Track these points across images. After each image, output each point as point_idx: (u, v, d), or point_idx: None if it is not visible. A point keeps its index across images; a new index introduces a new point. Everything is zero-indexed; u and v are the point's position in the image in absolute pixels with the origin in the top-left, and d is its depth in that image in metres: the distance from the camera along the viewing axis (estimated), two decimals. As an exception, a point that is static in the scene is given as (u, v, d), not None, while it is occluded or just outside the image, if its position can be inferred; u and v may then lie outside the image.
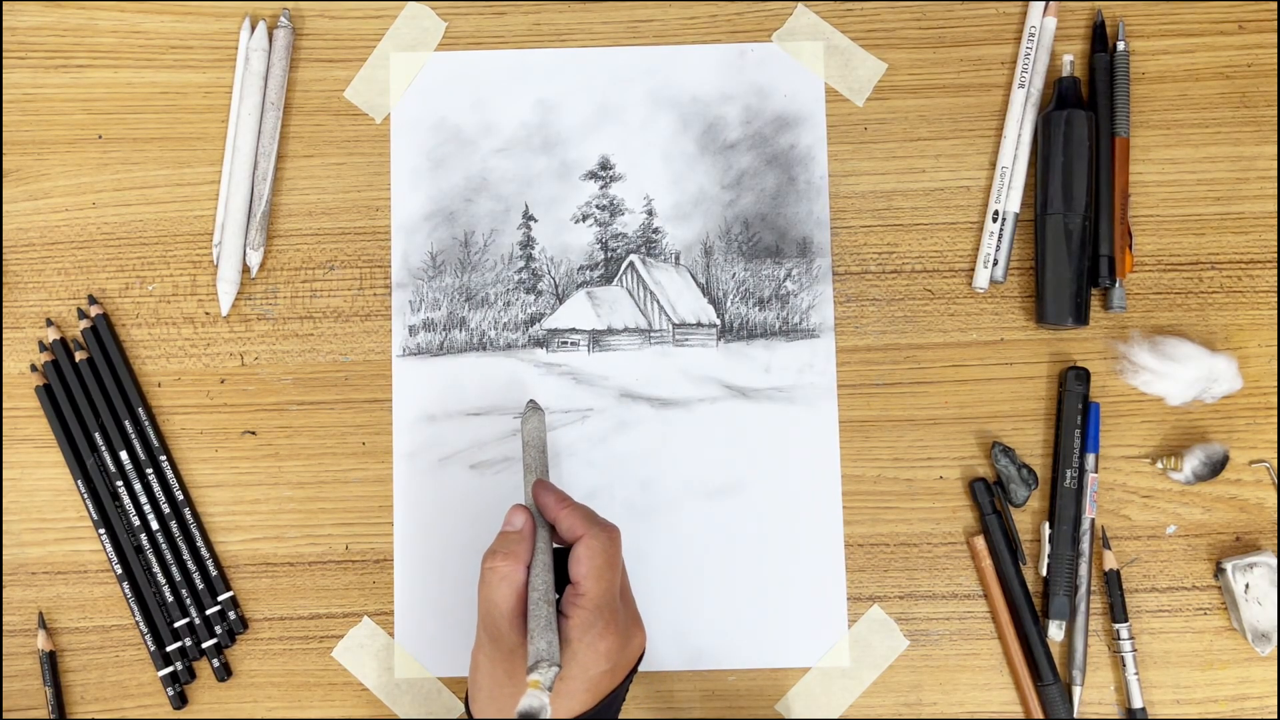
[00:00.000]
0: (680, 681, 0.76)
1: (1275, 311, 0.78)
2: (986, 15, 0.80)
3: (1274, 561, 0.74)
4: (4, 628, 0.76)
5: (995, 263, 0.78)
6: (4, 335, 0.78)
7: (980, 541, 0.76)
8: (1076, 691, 0.75)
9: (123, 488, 0.76)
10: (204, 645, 0.76)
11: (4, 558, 0.77)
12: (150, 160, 0.79)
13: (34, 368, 0.78)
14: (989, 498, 0.76)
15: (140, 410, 0.77)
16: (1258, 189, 0.78)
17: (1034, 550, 0.76)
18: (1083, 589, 0.75)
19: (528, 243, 0.79)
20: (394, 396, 0.77)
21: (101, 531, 0.76)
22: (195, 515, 0.77)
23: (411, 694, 0.76)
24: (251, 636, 0.76)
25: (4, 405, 0.78)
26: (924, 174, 0.79)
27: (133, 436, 0.76)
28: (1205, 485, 0.76)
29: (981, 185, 0.79)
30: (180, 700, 0.76)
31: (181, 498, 0.76)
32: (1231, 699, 0.75)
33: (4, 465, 0.77)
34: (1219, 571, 0.76)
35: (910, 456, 0.77)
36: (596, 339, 0.78)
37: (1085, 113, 0.76)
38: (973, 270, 0.78)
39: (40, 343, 0.78)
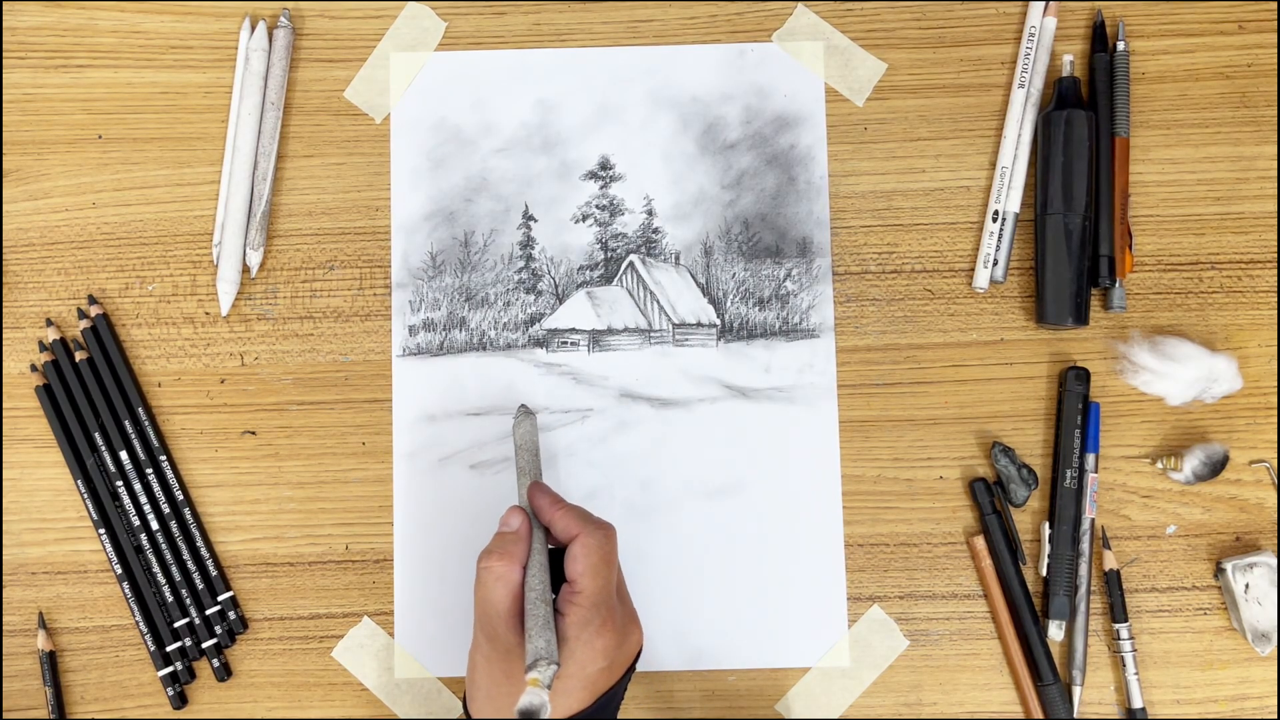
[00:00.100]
0: (680, 681, 0.76)
1: (1275, 311, 0.78)
2: (986, 15, 0.80)
3: (1274, 561, 0.74)
4: (4, 628, 0.76)
5: (995, 263, 0.78)
6: (4, 335, 0.78)
7: (980, 541, 0.76)
8: (1076, 691, 0.75)
9: (123, 488, 0.76)
10: (204, 645, 0.76)
11: (4, 558, 0.77)
12: (150, 160, 0.79)
13: (34, 368, 0.78)
14: (989, 498, 0.76)
15: (140, 410, 0.77)
16: (1258, 189, 0.78)
17: (1034, 550, 0.76)
18: (1083, 589, 0.75)
19: (528, 243, 0.79)
20: (394, 396, 0.77)
21: (101, 531, 0.76)
22: (195, 515, 0.77)
23: (411, 694, 0.76)
24: (251, 636, 0.76)
25: (4, 405, 0.78)
26: (924, 174, 0.79)
27: (133, 436, 0.76)
28: (1205, 485, 0.76)
29: (981, 185, 0.79)
30: (180, 700, 0.76)
31: (181, 498, 0.76)
32: (1231, 699, 0.75)
33: (4, 465, 0.77)
34: (1219, 571, 0.76)
35: (910, 456, 0.77)
36: (596, 339, 0.78)
37: (1085, 113, 0.76)
38: (973, 270, 0.78)
39: (40, 343, 0.78)
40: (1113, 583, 0.75)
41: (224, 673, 0.76)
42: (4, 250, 0.79)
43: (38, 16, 0.80)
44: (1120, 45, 0.78)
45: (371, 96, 0.79)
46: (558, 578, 0.66)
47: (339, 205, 0.79)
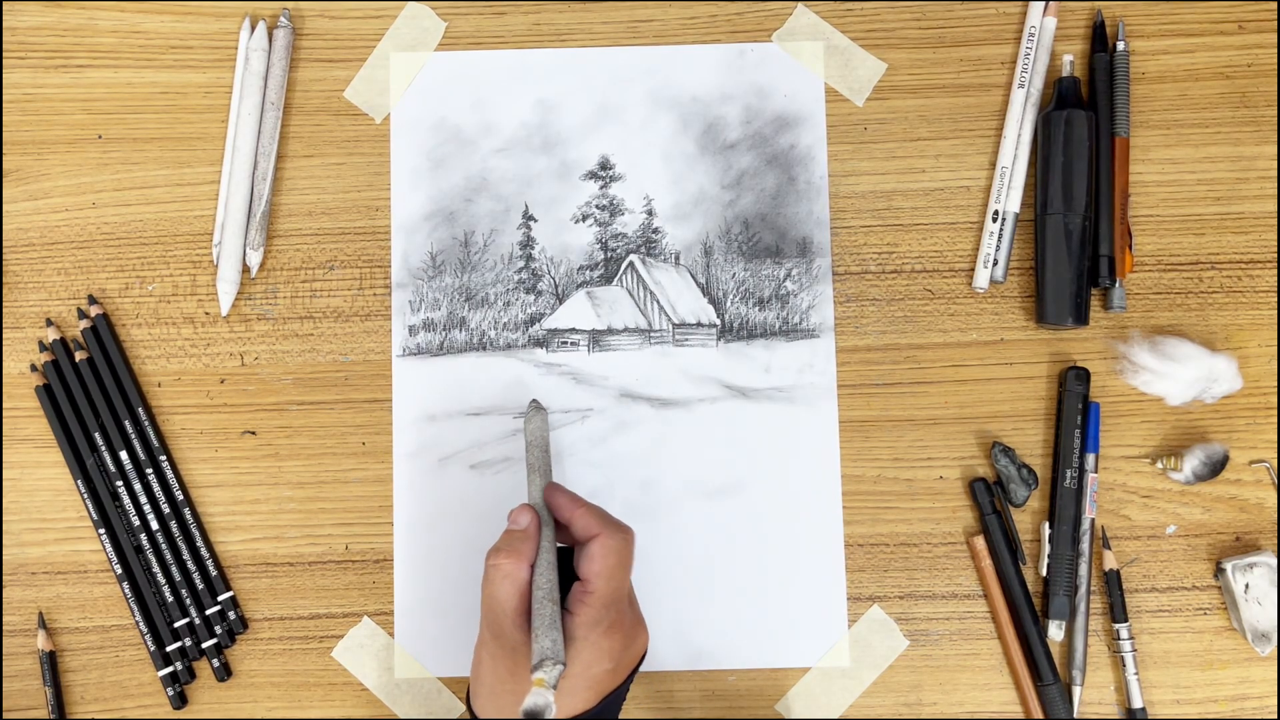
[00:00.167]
0: (680, 681, 0.76)
1: (1275, 311, 0.78)
2: (986, 15, 0.80)
3: (1274, 561, 0.74)
4: (4, 628, 0.76)
5: (995, 263, 0.78)
6: (4, 335, 0.78)
7: (980, 541, 0.76)
8: (1076, 691, 0.75)
9: (123, 488, 0.76)
10: (204, 645, 0.76)
11: (4, 558, 0.77)
12: (150, 160, 0.79)
13: (34, 368, 0.78)
14: (989, 498, 0.76)
15: (140, 410, 0.77)
16: (1258, 189, 0.78)
17: (1034, 550, 0.76)
18: (1083, 589, 0.75)
19: (528, 243, 0.79)
20: (394, 396, 0.77)
21: (101, 531, 0.76)
22: (195, 515, 0.77)
23: (411, 694, 0.76)
24: (251, 636, 0.76)
25: (4, 405, 0.78)
26: (924, 174, 0.79)
27: (133, 436, 0.76)
28: (1205, 485, 0.76)
29: (981, 185, 0.79)
30: (180, 700, 0.76)
31: (181, 498, 0.76)
32: (1231, 699, 0.75)
33: (4, 465, 0.77)
34: (1219, 571, 0.76)
35: (910, 456, 0.77)
36: (596, 339, 0.78)
37: (1085, 113, 0.76)
38: (973, 270, 0.78)
39: (40, 343, 0.78)
40: (1113, 583, 0.75)
41: (224, 673, 0.76)
42: (4, 250, 0.79)
43: (38, 16, 0.80)
44: (1120, 45, 0.78)
45: (371, 96, 0.79)
46: (565, 575, 0.66)
47: (339, 205, 0.79)
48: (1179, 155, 0.79)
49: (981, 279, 0.77)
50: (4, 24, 0.80)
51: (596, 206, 0.79)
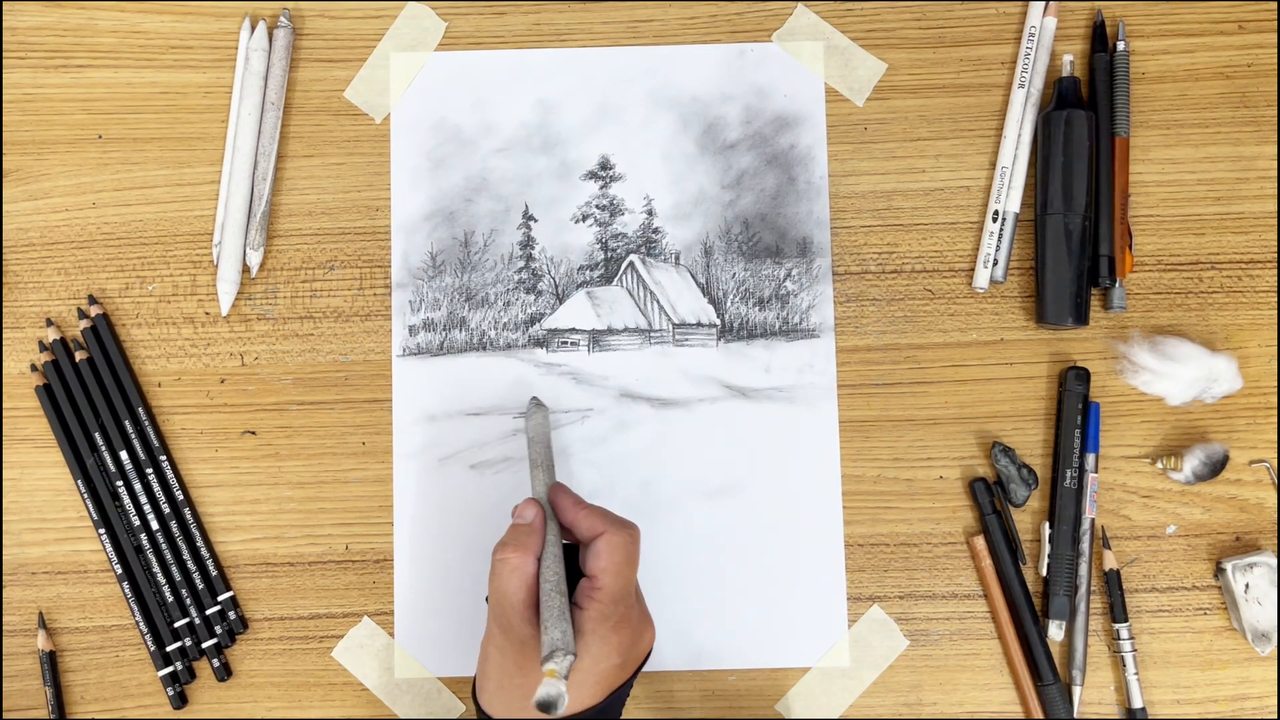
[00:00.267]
0: (680, 681, 0.76)
1: (1275, 311, 0.78)
2: (986, 15, 0.80)
3: (1274, 561, 0.74)
4: (4, 628, 0.76)
5: (995, 263, 0.78)
6: (4, 335, 0.78)
7: (980, 541, 0.76)
8: (1076, 691, 0.75)
9: (123, 488, 0.76)
10: (204, 645, 0.76)
11: (4, 558, 0.77)
12: (150, 160, 0.79)
13: (34, 368, 0.78)
14: (989, 498, 0.76)
15: (140, 410, 0.77)
16: (1258, 189, 0.78)
17: (1034, 550, 0.76)
18: (1083, 589, 0.75)
19: (528, 243, 0.79)
20: (394, 396, 0.77)
21: (101, 531, 0.76)
22: (195, 515, 0.77)
23: (411, 694, 0.76)
24: (251, 636, 0.76)
25: (4, 405, 0.78)
26: (924, 174, 0.79)
27: (133, 436, 0.76)
28: (1205, 485, 0.76)
29: (981, 185, 0.79)
30: (180, 700, 0.76)
31: (181, 498, 0.76)
32: (1231, 699, 0.75)
33: (4, 465, 0.77)
34: (1219, 571, 0.76)
35: (910, 456, 0.77)
36: (596, 339, 0.78)
37: (1085, 113, 0.76)
38: (973, 270, 0.78)
39: (40, 343, 0.78)
40: (1113, 583, 0.75)
41: (224, 673, 0.76)
42: (4, 250, 0.79)
43: (38, 16, 0.80)
44: (1120, 45, 0.78)
45: (371, 96, 0.79)
46: (571, 572, 0.66)
47: (339, 205, 0.79)
48: (1179, 155, 0.79)
49: (981, 279, 0.77)
50: (4, 24, 0.80)
51: (596, 206, 0.79)
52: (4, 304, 0.78)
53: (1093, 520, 0.76)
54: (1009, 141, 0.78)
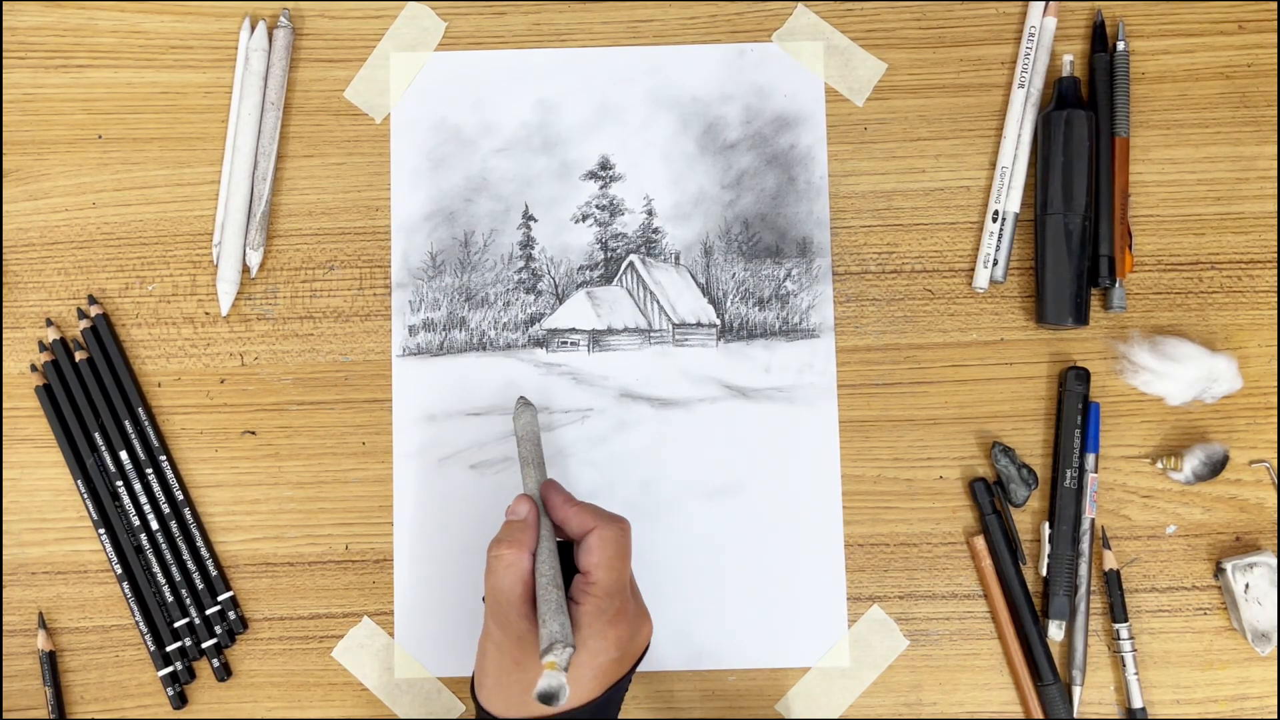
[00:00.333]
0: (680, 681, 0.76)
1: (1275, 311, 0.78)
2: (986, 15, 0.80)
3: (1274, 561, 0.74)
4: (4, 628, 0.76)
5: (995, 263, 0.78)
6: (4, 335, 0.78)
7: (980, 541, 0.76)
8: (1076, 691, 0.75)
9: (123, 488, 0.76)
10: (204, 645, 0.76)
11: (4, 558, 0.77)
12: (150, 160, 0.79)
13: (34, 368, 0.78)
14: (989, 498, 0.76)
15: (140, 410, 0.77)
16: (1258, 189, 0.78)
17: (1034, 550, 0.76)
18: (1083, 589, 0.75)
19: (528, 243, 0.79)
20: (394, 396, 0.77)
21: (101, 531, 0.76)
22: (195, 515, 0.77)
23: (411, 694, 0.76)
24: (251, 636, 0.76)
25: (4, 405, 0.78)
26: (924, 174, 0.79)
27: (133, 436, 0.76)
28: (1205, 485, 0.76)
29: (981, 185, 0.79)
30: (180, 700, 0.76)
31: (181, 498, 0.76)
32: (1231, 699, 0.75)
33: (4, 465, 0.77)
34: (1219, 571, 0.76)
35: (910, 456, 0.77)
36: (596, 339, 0.78)
37: (1085, 113, 0.76)
38: (973, 270, 0.78)
39: (40, 343, 0.78)
40: (1113, 583, 0.75)
41: (224, 673, 0.76)
42: (4, 250, 0.79)
43: (38, 16, 0.80)
44: (1120, 45, 0.78)
45: (371, 96, 0.79)
46: (566, 568, 0.66)
47: (339, 205, 0.79)
48: (1179, 155, 0.79)
49: (981, 279, 0.77)
50: (4, 24, 0.80)
51: (596, 206, 0.79)
52: (4, 304, 0.78)
53: (1093, 520, 0.76)
54: (1009, 141, 0.78)
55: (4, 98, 0.79)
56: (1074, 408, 0.76)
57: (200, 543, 0.76)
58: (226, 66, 0.79)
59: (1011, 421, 0.77)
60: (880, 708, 0.76)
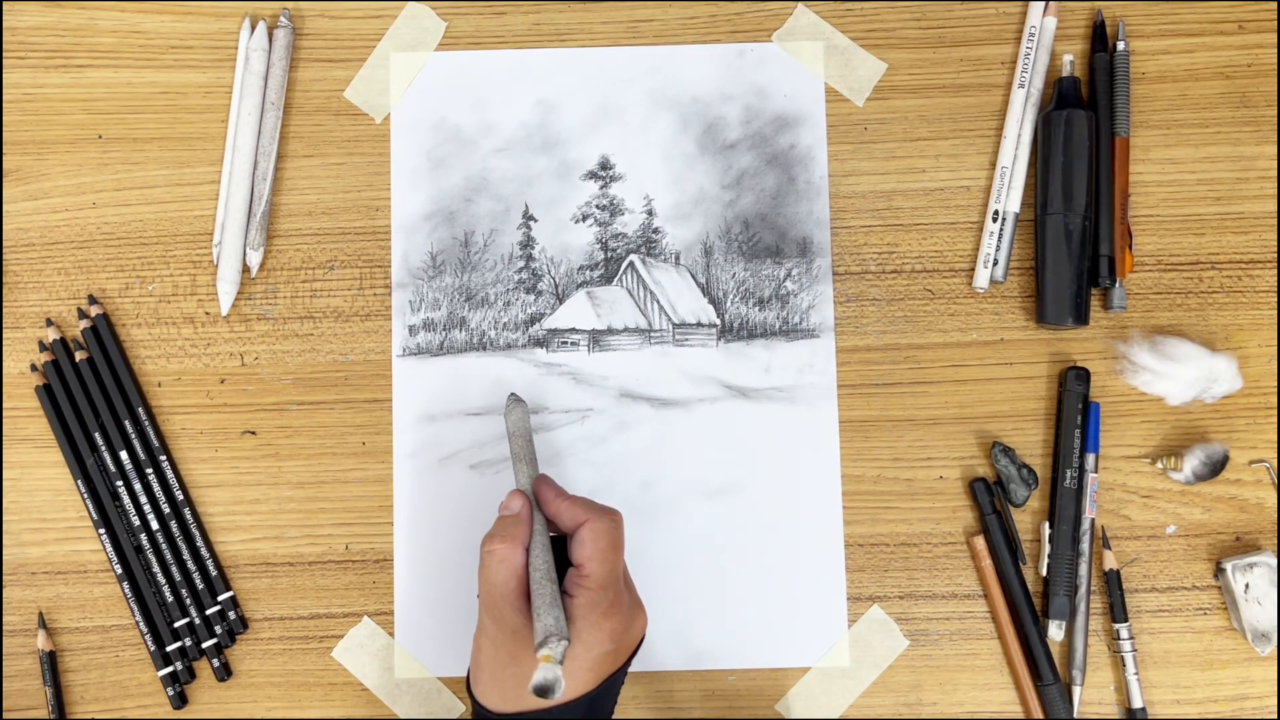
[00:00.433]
0: (680, 681, 0.76)
1: (1275, 311, 0.78)
2: (986, 15, 0.80)
3: (1274, 561, 0.74)
4: (4, 628, 0.76)
5: (995, 263, 0.78)
6: (4, 335, 0.78)
7: (980, 541, 0.76)
8: (1076, 691, 0.75)
9: (123, 488, 0.76)
10: (204, 645, 0.76)
11: (4, 558, 0.77)
12: (150, 160, 0.79)
13: (34, 368, 0.78)
14: (989, 498, 0.76)
15: (140, 410, 0.77)
16: (1258, 189, 0.78)
17: (1034, 550, 0.76)
18: (1083, 589, 0.75)
19: (528, 243, 0.79)
20: (394, 396, 0.77)
21: (101, 531, 0.76)
22: (195, 515, 0.77)
23: (411, 694, 0.76)
24: (251, 636, 0.76)
25: (4, 405, 0.78)
26: (924, 174, 0.79)
27: (133, 436, 0.76)
28: (1205, 485, 0.76)
29: (981, 185, 0.79)
30: (180, 700, 0.76)
31: (181, 498, 0.76)
32: (1231, 699, 0.75)
33: (4, 465, 0.77)
34: (1219, 571, 0.76)
35: (910, 456, 0.77)
36: (596, 339, 0.78)
37: (1085, 113, 0.76)
38: (973, 270, 0.78)
39: (40, 343, 0.78)
40: (1113, 583, 0.75)
41: (224, 673, 0.76)
42: (4, 250, 0.79)
43: (38, 16, 0.80)
44: (1120, 45, 0.78)
45: (371, 96, 0.79)
46: (560, 563, 0.66)
47: (339, 205, 0.79)
48: (1179, 155, 0.79)
49: (981, 279, 0.77)
50: (4, 24, 0.80)
51: (596, 206, 0.79)
52: (4, 304, 0.78)
53: (1093, 520, 0.76)
54: (1009, 141, 0.78)
55: (4, 98, 0.79)
56: (1074, 408, 0.76)
57: (200, 543, 0.76)
58: (226, 66, 0.79)
59: (1011, 421, 0.77)
60: (880, 708, 0.76)
